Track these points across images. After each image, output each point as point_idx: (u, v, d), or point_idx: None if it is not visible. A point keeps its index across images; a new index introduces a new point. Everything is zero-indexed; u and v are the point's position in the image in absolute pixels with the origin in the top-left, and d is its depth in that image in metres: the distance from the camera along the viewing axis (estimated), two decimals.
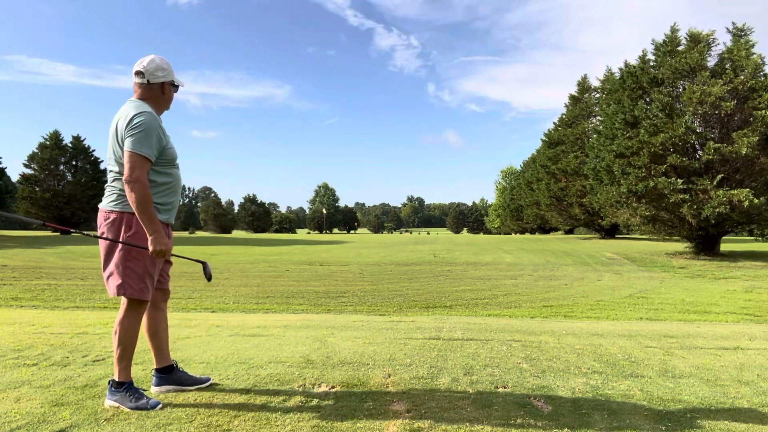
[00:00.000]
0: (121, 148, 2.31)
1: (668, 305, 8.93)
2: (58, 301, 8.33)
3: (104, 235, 2.37)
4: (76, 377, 2.78)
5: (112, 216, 2.35)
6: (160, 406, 2.36)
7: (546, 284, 12.00)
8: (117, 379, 2.39)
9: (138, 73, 2.43)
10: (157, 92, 2.47)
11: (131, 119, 2.29)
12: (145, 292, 2.37)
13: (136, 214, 2.27)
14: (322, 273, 13.84)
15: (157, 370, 2.59)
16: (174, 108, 2.63)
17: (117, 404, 2.34)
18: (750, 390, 2.82)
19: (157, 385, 2.56)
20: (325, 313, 7.44)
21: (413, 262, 16.99)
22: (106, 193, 2.43)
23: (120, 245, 2.34)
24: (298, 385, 2.69)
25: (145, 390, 2.50)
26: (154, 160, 2.34)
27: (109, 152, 2.40)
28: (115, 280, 2.35)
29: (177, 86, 2.56)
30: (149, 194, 2.27)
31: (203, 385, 2.62)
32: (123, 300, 2.42)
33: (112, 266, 2.36)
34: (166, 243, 2.33)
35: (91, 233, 2.52)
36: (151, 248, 2.29)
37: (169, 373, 2.58)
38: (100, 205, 2.44)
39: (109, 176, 2.43)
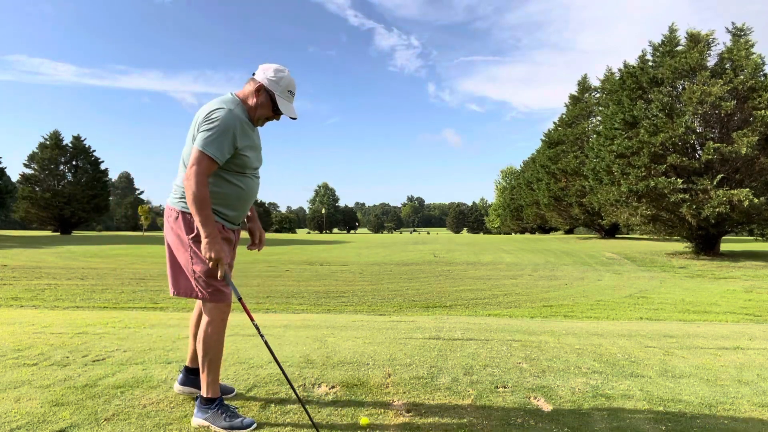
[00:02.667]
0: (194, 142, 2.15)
1: (668, 305, 8.93)
2: (58, 301, 8.33)
3: (172, 231, 2.26)
4: (76, 377, 2.77)
5: (174, 213, 2.23)
6: (255, 425, 2.17)
7: (546, 284, 12.00)
8: (205, 395, 2.20)
9: (257, 71, 2.28)
10: (253, 91, 2.23)
11: (209, 113, 2.12)
12: (216, 295, 2.19)
13: (192, 214, 2.11)
14: (322, 273, 13.84)
15: (186, 368, 2.49)
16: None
17: (208, 423, 2.16)
18: (750, 390, 2.82)
19: (182, 383, 2.47)
20: (325, 313, 7.44)
21: (413, 262, 16.99)
22: (172, 190, 2.30)
23: (187, 245, 2.20)
24: (298, 385, 2.69)
25: (237, 408, 2.30)
26: (221, 163, 2.13)
27: (185, 149, 2.26)
28: (185, 282, 2.27)
29: (277, 107, 2.25)
30: (205, 196, 2.07)
31: (227, 396, 2.47)
32: (200, 305, 2.34)
33: (181, 266, 2.26)
34: (218, 249, 2.09)
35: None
36: (202, 253, 2.11)
37: (196, 376, 2.43)
38: (166, 201, 2.34)
39: (179, 172, 2.28)
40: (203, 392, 2.23)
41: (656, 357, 3.54)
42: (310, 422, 2.19)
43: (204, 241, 2.08)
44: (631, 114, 18.15)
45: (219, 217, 2.24)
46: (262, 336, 2.29)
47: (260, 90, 2.22)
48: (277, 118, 2.34)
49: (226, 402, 2.28)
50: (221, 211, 2.24)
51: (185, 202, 2.18)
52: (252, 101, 2.23)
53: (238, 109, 2.20)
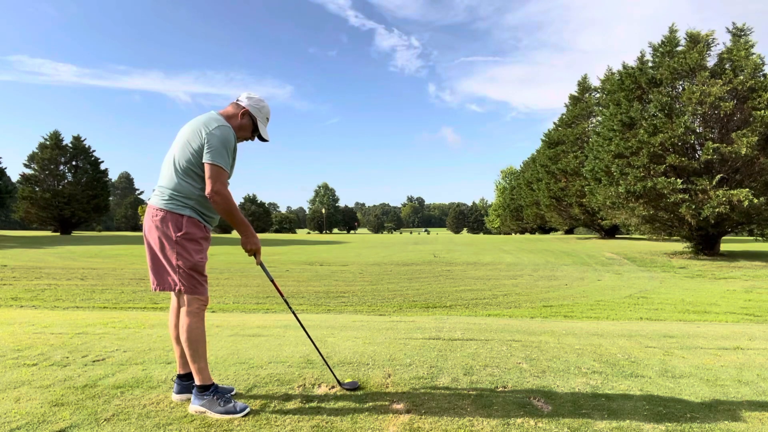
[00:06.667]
0: (191, 155, 2.31)
1: (668, 305, 8.93)
2: (58, 301, 8.33)
3: (156, 230, 2.32)
4: (76, 377, 2.77)
5: (160, 214, 2.32)
6: (248, 410, 2.30)
7: (546, 284, 12.00)
8: (199, 383, 2.33)
9: (240, 97, 2.55)
10: (238, 114, 2.49)
11: (212, 129, 2.31)
12: (196, 287, 2.35)
13: (227, 221, 2.36)
14: (322, 273, 13.84)
15: (179, 376, 2.50)
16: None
17: (204, 409, 2.28)
18: (750, 390, 2.82)
19: (178, 392, 2.47)
20: (325, 313, 7.44)
21: (413, 262, 16.98)
22: (157, 191, 2.40)
23: (174, 242, 2.31)
24: (298, 385, 2.69)
25: (234, 394, 2.50)
26: (230, 173, 2.36)
27: (176, 154, 2.36)
28: (170, 277, 2.35)
29: (258, 130, 2.55)
30: (233, 203, 2.33)
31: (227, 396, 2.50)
32: (177, 302, 2.42)
33: (164, 263, 2.35)
34: (256, 242, 2.43)
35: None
36: (243, 247, 2.43)
37: (191, 381, 2.47)
38: (149, 202, 2.42)
39: (164, 175, 2.39)
40: (196, 380, 2.35)
41: (656, 357, 3.54)
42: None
43: (244, 238, 2.41)
44: (628, 115, 18.14)
45: (202, 218, 2.39)
46: (293, 312, 2.65)
47: (245, 114, 2.51)
48: (252, 140, 2.62)
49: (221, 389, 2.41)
50: (206, 213, 2.41)
51: (173, 203, 2.33)
52: (236, 122, 2.48)
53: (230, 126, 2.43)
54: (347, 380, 2.76)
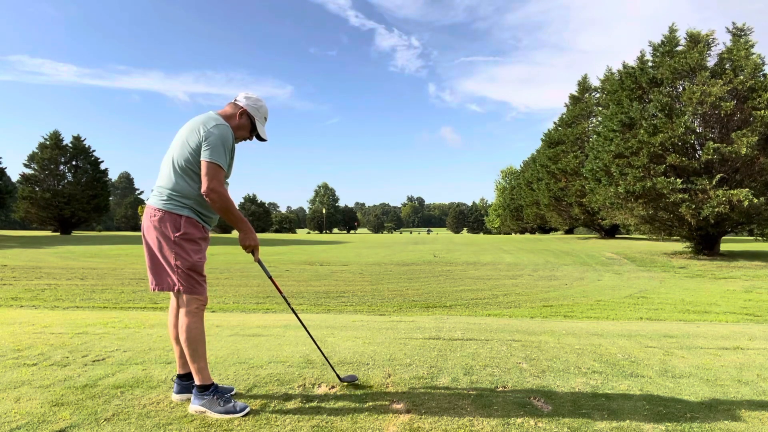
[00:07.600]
0: (190, 154, 2.32)
1: (668, 305, 8.93)
2: (58, 301, 8.33)
3: (155, 230, 2.32)
4: (76, 377, 2.77)
5: (159, 214, 2.32)
6: (248, 409, 2.30)
7: (546, 284, 12.00)
8: (198, 383, 2.32)
9: (238, 97, 2.56)
10: (236, 114, 2.50)
11: (210, 128, 2.32)
12: (195, 287, 2.35)
13: (225, 219, 2.36)
14: (322, 273, 13.84)
15: (179, 376, 2.50)
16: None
17: (204, 409, 2.28)
18: (750, 390, 2.82)
19: (178, 392, 2.47)
20: (325, 313, 7.44)
21: (413, 262, 16.99)
22: (155, 191, 2.40)
23: (172, 243, 2.32)
24: (298, 385, 2.69)
25: (234, 394, 2.50)
26: (228, 172, 2.37)
27: (174, 154, 2.37)
28: (169, 277, 2.35)
29: (256, 130, 2.56)
30: (230, 201, 2.32)
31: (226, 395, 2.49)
32: (176, 302, 2.43)
33: (162, 263, 2.35)
34: (254, 239, 2.44)
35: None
36: (241, 244, 2.45)
37: (191, 381, 2.46)
38: (148, 202, 2.42)
39: (163, 175, 2.39)
40: (195, 380, 2.35)
41: (656, 357, 3.54)
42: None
43: (243, 235, 2.42)
44: (628, 115, 18.15)
45: (200, 219, 2.39)
46: (292, 309, 2.70)
47: (243, 114, 2.52)
48: (250, 139, 2.63)
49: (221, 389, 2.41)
50: (204, 213, 2.41)
51: (172, 204, 2.33)
52: (234, 122, 2.49)
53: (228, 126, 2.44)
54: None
